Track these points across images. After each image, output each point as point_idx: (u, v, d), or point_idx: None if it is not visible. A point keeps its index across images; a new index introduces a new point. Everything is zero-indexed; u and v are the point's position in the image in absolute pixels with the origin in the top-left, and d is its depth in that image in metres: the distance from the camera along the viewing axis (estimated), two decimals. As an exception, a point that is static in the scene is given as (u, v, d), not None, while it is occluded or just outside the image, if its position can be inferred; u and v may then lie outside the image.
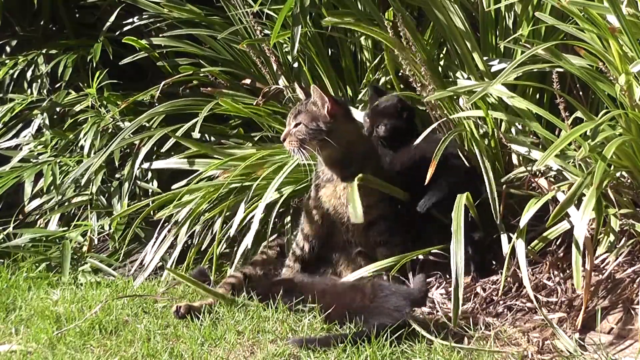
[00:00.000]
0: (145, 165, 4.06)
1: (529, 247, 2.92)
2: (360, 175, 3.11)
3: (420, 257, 3.19)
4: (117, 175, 4.34)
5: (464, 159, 3.20)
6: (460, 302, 2.73)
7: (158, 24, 4.48)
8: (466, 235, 2.89)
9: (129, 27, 4.66)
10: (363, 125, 3.42)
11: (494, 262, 3.20)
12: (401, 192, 3.22)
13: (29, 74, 4.82)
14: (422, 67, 3.17)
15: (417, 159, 3.22)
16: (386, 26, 3.37)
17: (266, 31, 3.95)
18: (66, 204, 4.34)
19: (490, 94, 3.17)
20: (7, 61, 4.84)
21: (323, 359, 2.61)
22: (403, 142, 3.34)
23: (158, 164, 3.99)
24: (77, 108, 4.54)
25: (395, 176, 3.27)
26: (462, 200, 2.89)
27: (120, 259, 4.01)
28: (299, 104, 3.23)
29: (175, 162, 3.92)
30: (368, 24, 3.50)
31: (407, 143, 3.31)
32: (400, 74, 3.46)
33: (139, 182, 4.16)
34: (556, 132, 3.04)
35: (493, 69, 3.37)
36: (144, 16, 4.53)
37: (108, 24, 4.78)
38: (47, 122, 4.62)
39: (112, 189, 4.26)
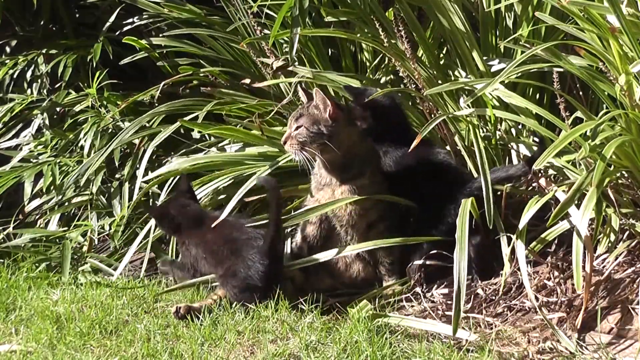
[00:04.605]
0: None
1: (529, 247, 2.92)
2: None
3: (418, 262, 3.18)
4: (117, 175, 4.34)
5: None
6: (462, 308, 2.67)
7: (158, 24, 4.48)
8: (469, 238, 2.90)
9: (129, 27, 4.65)
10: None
11: (494, 265, 3.19)
12: (400, 199, 3.22)
13: (29, 74, 4.81)
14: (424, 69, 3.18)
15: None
16: (390, 26, 3.37)
17: (266, 31, 3.95)
18: (66, 204, 4.33)
19: (490, 93, 3.17)
20: (7, 61, 4.83)
21: (323, 359, 2.61)
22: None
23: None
24: (77, 108, 4.53)
25: (394, 177, 3.28)
26: (467, 205, 2.87)
27: (120, 259, 4.00)
28: (301, 107, 3.22)
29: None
30: (370, 22, 3.50)
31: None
32: (399, 73, 3.46)
33: (138, 182, 4.14)
34: (556, 132, 3.04)
35: (493, 69, 3.37)
36: (144, 16, 4.53)
37: (108, 24, 4.77)
38: (47, 122, 4.61)
39: (112, 189, 4.26)
